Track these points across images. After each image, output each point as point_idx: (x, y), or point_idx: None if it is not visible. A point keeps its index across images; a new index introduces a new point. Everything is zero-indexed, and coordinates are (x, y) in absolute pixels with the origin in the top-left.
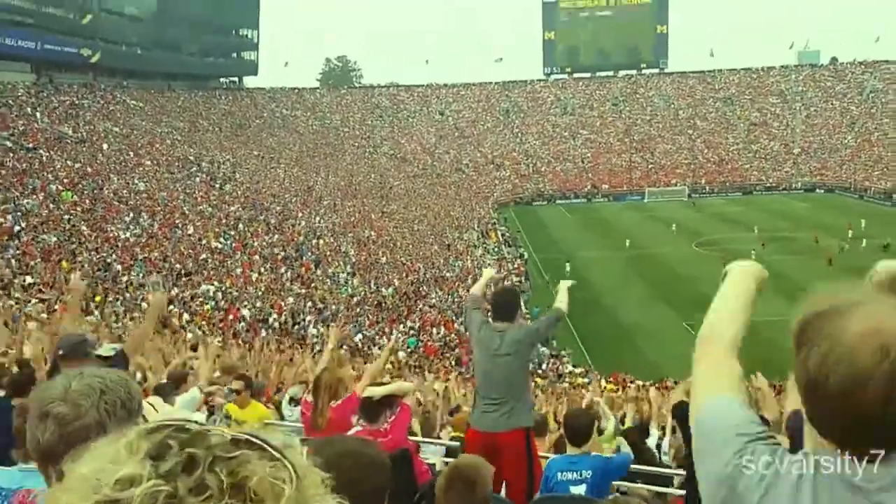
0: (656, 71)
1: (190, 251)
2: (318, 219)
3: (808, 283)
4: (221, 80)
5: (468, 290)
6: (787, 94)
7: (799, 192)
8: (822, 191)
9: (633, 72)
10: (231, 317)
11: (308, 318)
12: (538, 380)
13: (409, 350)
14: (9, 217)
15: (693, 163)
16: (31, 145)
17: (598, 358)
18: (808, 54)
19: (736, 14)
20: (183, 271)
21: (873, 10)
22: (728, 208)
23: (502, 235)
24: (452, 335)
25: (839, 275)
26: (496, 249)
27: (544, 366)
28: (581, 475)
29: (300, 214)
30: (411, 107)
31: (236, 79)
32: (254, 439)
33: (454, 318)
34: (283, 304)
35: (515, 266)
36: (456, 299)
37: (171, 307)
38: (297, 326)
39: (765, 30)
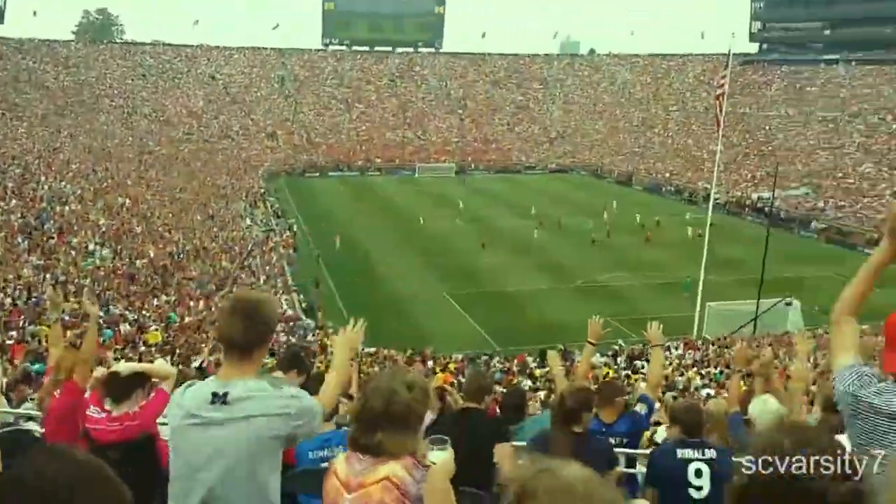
0: (432, 50)
1: None
2: (64, 183)
3: (571, 261)
4: None
5: (232, 262)
6: (548, 80)
7: (555, 173)
8: (576, 172)
9: (410, 49)
10: None
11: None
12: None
13: (169, 326)
14: None
15: (462, 141)
16: None
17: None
18: (570, 44)
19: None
20: None
21: (631, 5)
22: (493, 185)
23: (271, 206)
24: (213, 310)
25: (600, 253)
26: (264, 221)
27: (310, 337)
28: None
29: (43, 178)
30: (178, 67)
31: None
32: None
33: (215, 291)
34: (18, 276)
35: (284, 238)
36: (218, 271)
37: None
38: (30, 301)
39: (533, 18)
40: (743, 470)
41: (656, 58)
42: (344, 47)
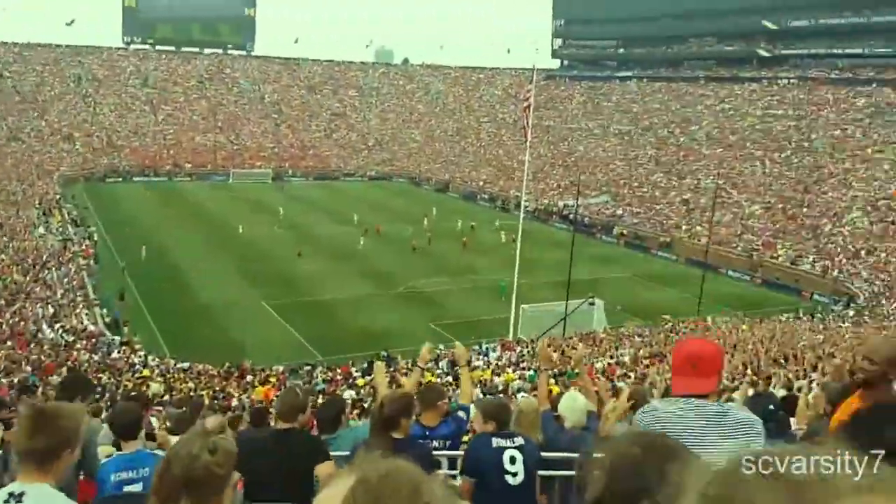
0: (243, 53)
1: None
2: None
3: (392, 268)
4: None
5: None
6: (364, 88)
7: (374, 181)
8: (394, 179)
9: (220, 51)
10: None
11: None
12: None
13: None
14: None
15: (278, 147)
16: None
17: (173, 340)
18: (384, 53)
19: (321, 6)
20: None
21: (441, 20)
22: (312, 192)
23: (68, 214)
24: (3, 327)
25: (420, 259)
26: (60, 229)
27: (115, 354)
28: None
29: None
30: None
31: None
32: None
33: (6, 305)
34: None
35: (83, 248)
36: (9, 284)
37: None
38: None
39: (346, 25)
40: (595, 480)
41: (467, 70)
42: (147, 46)
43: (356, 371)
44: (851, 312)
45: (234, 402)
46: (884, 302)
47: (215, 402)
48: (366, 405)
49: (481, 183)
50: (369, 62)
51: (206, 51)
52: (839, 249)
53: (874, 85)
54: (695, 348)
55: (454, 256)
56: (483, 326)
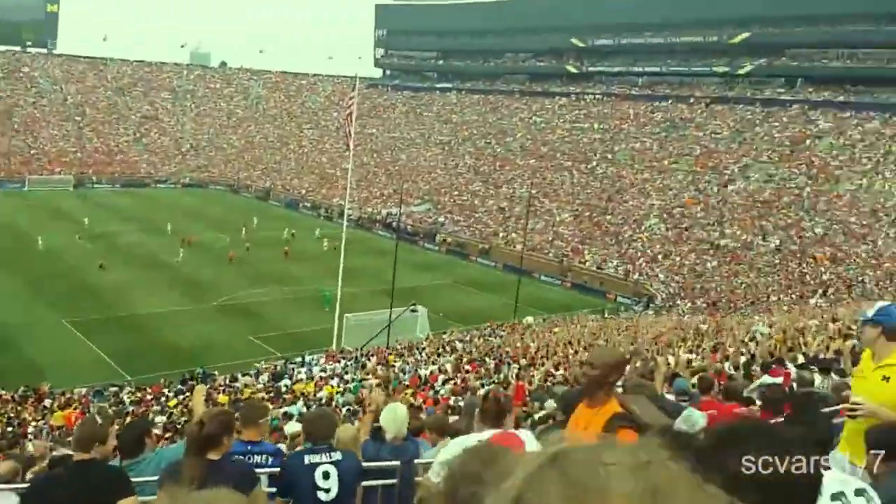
0: (43, 51)
1: None
2: None
3: (209, 279)
4: None
5: None
6: (178, 91)
7: (189, 188)
8: (211, 187)
9: (17, 48)
10: None
11: None
12: None
13: None
14: None
15: (81, 151)
16: None
17: None
18: (200, 55)
19: (133, 4)
20: None
21: (261, 24)
22: (119, 200)
23: None
24: None
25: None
26: None
27: None
28: None
29: None
30: None
31: None
32: None
33: None
34: None
35: None
36: None
37: None
38: None
39: (160, 25)
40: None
41: (288, 75)
42: None
43: (169, 391)
44: (651, 312)
45: (31, 429)
46: (678, 302)
47: (9, 429)
48: (179, 427)
49: (304, 191)
50: (183, 63)
51: (2, 48)
52: (639, 254)
53: (670, 101)
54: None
55: (275, 266)
56: (306, 337)
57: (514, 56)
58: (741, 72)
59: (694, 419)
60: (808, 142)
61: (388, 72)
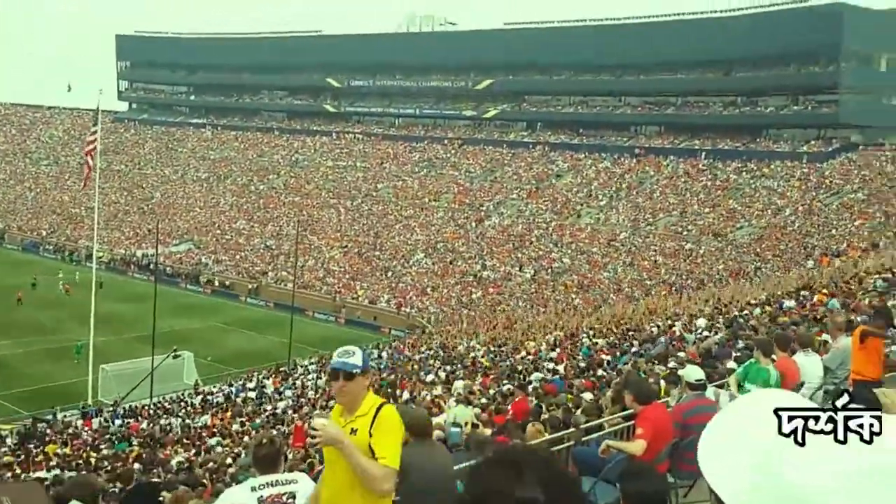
0: None
1: None
2: None
3: None
4: None
5: None
6: None
7: None
8: None
9: None
10: None
11: None
12: None
13: None
14: None
15: None
16: None
17: None
18: None
19: None
20: None
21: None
22: None
23: None
24: None
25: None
26: None
27: None
28: None
29: None
30: None
31: None
32: None
33: None
34: None
35: None
36: None
37: None
38: None
39: None
40: None
41: (20, 107)
42: None
43: None
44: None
45: None
46: (449, 327)
47: None
48: None
49: (44, 232)
50: None
51: None
52: (409, 287)
53: (426, 141)
54: None
55: (8, 315)
56: (60, 392)
57: (270, 93)
58: (487, 115)
59: None
60: (551, 180)
61: (134, 105)
